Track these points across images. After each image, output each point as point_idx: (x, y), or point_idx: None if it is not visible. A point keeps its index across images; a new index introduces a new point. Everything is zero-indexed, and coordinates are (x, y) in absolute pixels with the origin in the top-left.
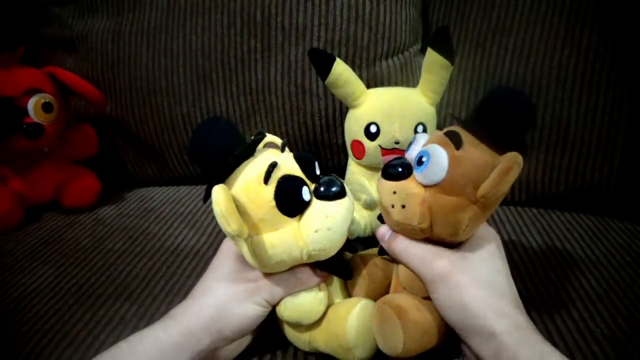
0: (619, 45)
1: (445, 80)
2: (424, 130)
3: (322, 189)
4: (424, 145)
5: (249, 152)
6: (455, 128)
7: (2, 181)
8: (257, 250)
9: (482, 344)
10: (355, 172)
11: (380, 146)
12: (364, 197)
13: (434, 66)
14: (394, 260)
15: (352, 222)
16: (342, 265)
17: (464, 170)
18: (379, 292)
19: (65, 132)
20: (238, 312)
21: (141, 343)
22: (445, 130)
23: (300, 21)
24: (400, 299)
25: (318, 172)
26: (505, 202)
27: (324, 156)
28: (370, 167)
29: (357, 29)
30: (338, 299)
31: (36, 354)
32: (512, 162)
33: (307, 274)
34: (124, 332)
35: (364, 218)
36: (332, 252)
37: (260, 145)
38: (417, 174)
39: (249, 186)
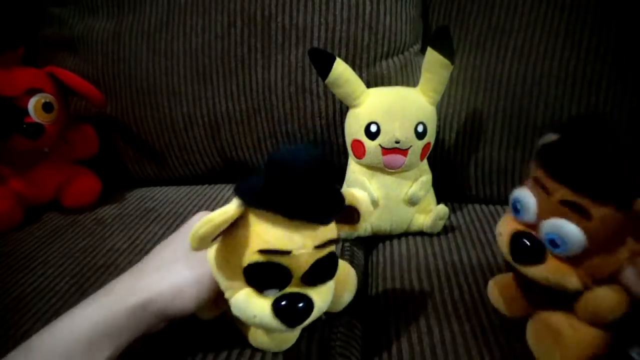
0: (619, 45)
1: (445, 80)
2: (424, 129)
3: (278, 304)
4: (541, 218)
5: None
6: (569, 193)
7: (2, 181)
8: (212, 250)
9: None
10: (355, 171)
11: (380, 145)
12: None
13: (434, 65)
14: None
15: None
16: None
17: (602, 236)
18: None
19: (65, 132)
20: (188, 296)
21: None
22: (559, 198)
23: (300, 21)
24: (553, 317)
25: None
26: (507, 202)
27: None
28: (371, 167)
29: (357, 29)
30: None
31: None
32: None
33: None
34: None
35: None
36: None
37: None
38: (558, 253)
39: (251, 237)
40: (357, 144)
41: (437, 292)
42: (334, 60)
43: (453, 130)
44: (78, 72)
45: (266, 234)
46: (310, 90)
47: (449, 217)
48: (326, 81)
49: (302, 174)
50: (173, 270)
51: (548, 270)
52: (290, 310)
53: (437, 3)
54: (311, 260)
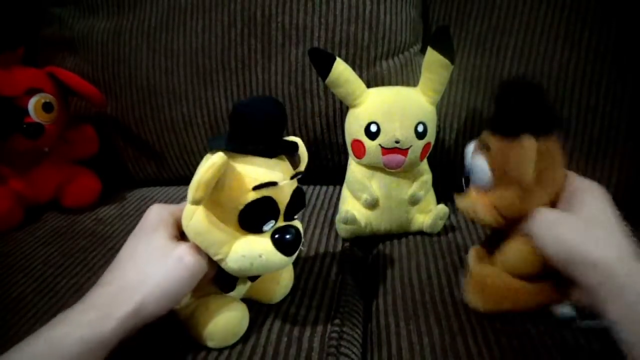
0: (619, 45)
1: (445, 80)
2: (424, 130)
3: (277, 236)
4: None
5: (286, 150)
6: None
7: (2, 181)
8: (197, 217)
9: (586, 273)
10: (355, 171)
11: (380, 145)
12: (364, 196)
13: (434, 65)
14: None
15: (353, 221)
16: (230, 281)
17: (501, 165)
18: None
19: (65, 132)
20: (173, 292)
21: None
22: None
23: (300, 21)
24: (485, 269)
25: (296, 217)
26: None
27: (324, 156)
28: (371, 167)
29: (357, 29)
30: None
31: None
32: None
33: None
34: None
35: (364, 217)
36: (237, 276)
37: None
38: (473, 185)
39: (242, 179)
40: (357, 143)
41: (437, 292)
42: (334, 60)
43: (453, 130)
44: (78, 72)
45: (254, 173)
46: (310, 90)
47: (449, 217)
48: (326, 81)
49: (277, 120)
50: (153, 271)
51: (465, 201)
52: (287, 240)
53: (437, 3)
54: (290, 191)
